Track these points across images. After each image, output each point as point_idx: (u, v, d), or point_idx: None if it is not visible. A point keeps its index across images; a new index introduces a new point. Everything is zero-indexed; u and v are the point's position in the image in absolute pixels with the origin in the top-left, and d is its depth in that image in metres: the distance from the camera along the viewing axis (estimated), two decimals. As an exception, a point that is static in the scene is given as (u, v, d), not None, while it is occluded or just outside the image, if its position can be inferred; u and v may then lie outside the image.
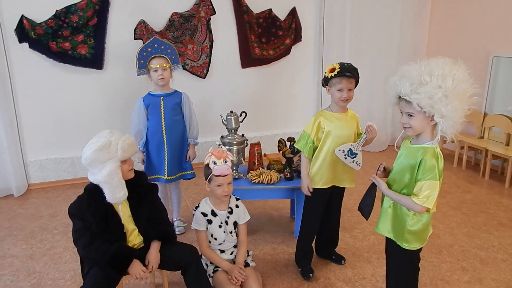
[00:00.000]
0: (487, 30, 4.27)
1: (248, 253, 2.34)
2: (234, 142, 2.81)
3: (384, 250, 1.87)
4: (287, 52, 4.60)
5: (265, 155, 3.00)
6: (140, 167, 2.70)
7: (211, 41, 4.19)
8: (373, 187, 1.79)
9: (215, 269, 2.18)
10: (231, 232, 2.21)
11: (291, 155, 2.83)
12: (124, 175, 1.89)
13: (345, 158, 2.21)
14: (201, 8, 4.03)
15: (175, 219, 3.03)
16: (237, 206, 2.26)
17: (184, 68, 4.09)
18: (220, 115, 2.90)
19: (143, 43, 2.94)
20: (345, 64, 2.17)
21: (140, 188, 2.00)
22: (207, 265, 2.22)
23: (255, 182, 2.72)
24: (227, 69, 4.37)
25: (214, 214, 2.18)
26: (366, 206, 1.82)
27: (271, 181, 2.71)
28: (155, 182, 2.31)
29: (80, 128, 3.90)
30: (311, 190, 2.29)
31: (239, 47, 4.36)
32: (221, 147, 2.18)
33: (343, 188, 2.42)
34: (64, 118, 3.87)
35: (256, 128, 4.60)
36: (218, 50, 4.26)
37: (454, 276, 2.43)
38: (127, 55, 3.73)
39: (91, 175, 1.85)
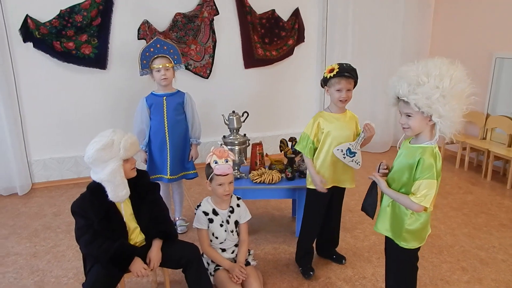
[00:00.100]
0: (490, 31, 4.27)
1: (249, 252, 2.35)
2: (236, 142, 2.83)
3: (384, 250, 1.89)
4: (290, 52, 4.61)
5: (266, 155, 3.02)
6: (143, 166, 2.72)
7: (214, 42, 4.21)
8: (374, 186, 1.81)
9: (216, 267, 2.20)
10: (232, 231, 2.22)
11: (293, 155, 2.84)
12: (126, 174, 1.91)
13: (344, 158, 2.22)
14: (204, 9, 4.06)
15: (177, 218, 3.05)
16: (238, 205, 2.27)
17: (187, 69, 4.11)
18: (222, 115, 2.92)
19: (147, 43, 2.97)
20: (344, 65, 2.18)
21: (142, 187, 2.02)
22: (208, 264, 2.24)
23: (256, 182, 2.74)
24: (230, 70, 4.39)
25: (215, 213, 2.19)
26: (369, 205, 1.83)
27: (272, 181, 2.72)
28: (157, 181, 2.33)
29: (83, 127, 3.93)
30: (324, 182, 2.27)
31: (242, 47, 4.37)
32: (222, 147, 2.20)
33: (344, 189, 2.43)
34: (67, 117, 3.90)
35: (259, 128, 4.62)
36: (221, 50, 4.28)
37: (454, 276, 2.43)
38: (130, 55, 3.76)
39: (94, 174, 1.88)
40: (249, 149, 2.93)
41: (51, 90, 3.79)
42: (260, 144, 2.95)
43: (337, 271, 2.49)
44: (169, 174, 2.82)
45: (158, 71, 2.70)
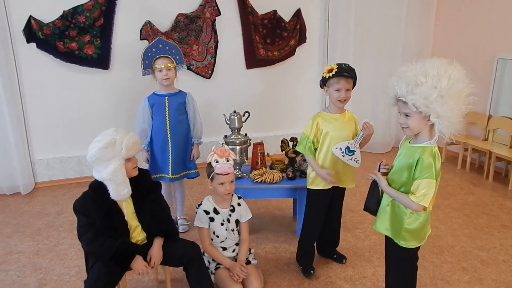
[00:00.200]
0: (492, 32, 4.27)
1: (250, 251, 2.37)
2: (237, 142, 2.85)
3: (385, 250, 1.89)
4: (291, 53, 4.62)
5: (267, 154, 3.03)
6: (145, 166, 2.74)
7: (216, 42, 4.23)
8: (375, 185, 1.82)
9: (217, 266, 2.21)
10: (233, 230, 2.24)
11: (294, 155, 2.85)
12: (128, 173, 1.93)
13: (343, 156, 2.22)
14: (206, 9, 4.08)
15: (179, 217, 3.07)
16: (239, 204, 2.29)
17: (189, 69, 4.13)
18: (224, 114, 2.93)
19: (149, 43, 2.99)
20: (343, 65, 2.19)
21: (144, 186, 2.04)
22: (209, 262, 2.25)
23: (257, 181, 2.75)
24: (231, 70, 4.41)
25: (216, 212, 2.21)
26: (373, 205, 1.84)
27: (273, 180, 2.73)
28: (158, 181, 2.35)
29: (86, 127, 3.95)
30: (331, 173, 2.25)
31: (243, 48, 4.39)
32: (224, 146, 2.21)
33: (344, 189, 2.44)
34: (70, 117, 3.93)
35: (261, 128, 4.63)
36: (223, 50, 4.30)
37: (454, 276, 2.44)
38: (133, 56, 3.78)
39: (96, 172, 1.90)
40: (250, 149, 2.95)
41: (54, 90, 3.82)
42: (261, 143, 2.96)
43: (338, 271, 2.49)
44: (170, 173, 2.84)
45: (160, 71, 2.72)
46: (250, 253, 2.36)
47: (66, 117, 3.91)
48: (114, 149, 1.88)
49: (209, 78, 4.31)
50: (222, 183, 2.12)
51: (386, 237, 1.80)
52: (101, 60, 3.85)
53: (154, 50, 2.76)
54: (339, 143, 2.22)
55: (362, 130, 2.19)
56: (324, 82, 2.24)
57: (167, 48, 2.79)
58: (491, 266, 2.54)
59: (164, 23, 3.99)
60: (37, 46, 3.63)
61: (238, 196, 2.33)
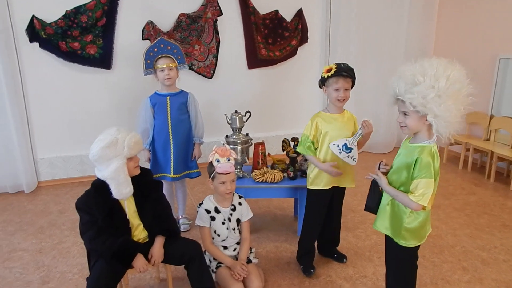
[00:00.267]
0: (494, 31, 4.26)
1: (251, 250, 2.38)
2: (239, 141, 2.86)
3: (385, 249, 1.90)
4: (293, 53, 4.63)
5: (269, 154, 3.04)
6: (146, 165, 2.76)
7: (218, 42, 4.24)
8: (375, 185, 1.82)
9: (218, 264, 2.23)
10: (234, 229, 2.25)
11: (295, 155, 2.86)
12: (130, 172, 1.95)
13: (340, 153, 2.21)
14: (208, 9, 4.09)
15: (180, 217, 3.09)
16: (240, 203, 2.30)
17: (191, 69, 4.15)
18: (225, 114, 2.95)
19: (151, 43, 3.01)
20: (342, 65, 2.20)
21: (146, 185, 2.06)
22: (210, 261, 2.27)
23: (258, 181, 2.76)
24: (233, 70, 4.42)
25: (217, 211, 2.22)
26: (374, 204, 1.84)
27: (274, 180, 2.75)
28: (160, 179, 2.37)
29: (88, 126, 3.97)
30: (335, 164, 2.24)
31: (245, 48, 4.40)
32: (225, 146, 2.22)
33: (344, 189, 2.45)
34: (73, 116, 3.95)
35: (262, 128, 4.64)
36: (225, 50, 4.31)
37: (454, 275, 2.44)
38: (135, 55, 3.79)
39: (98, 171, 1.91)
40: (251, 149, 2.96)
41: (56, 89, 3.85)
42: (262, 143, 2.97)
43: (338, 270, 2.50)
44: (172, 173, 2.86)
45: (162, 70, 2.74)
46: (251, 252, 2.37)
47: (69, 116, 3.94)
48: (116, 148, 1.89)
49: (210, 78, 4.32)
50: (223, 182, 2.13)
51: (386, 236, 1.81)
52: (103, 60, 3.87)
53: (156, 50, 2.78)
54: (336, 140, 2.22)
55: (361, 128, 2.19)
56: (323, 82, 2.25)
57: (169, 48, 2.81)
58: (492, 266, 2.54)
59: (166, 23, 4.01)
60: (40, 46, 3.66)
61: (239, 196, 2.34)
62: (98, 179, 1.92)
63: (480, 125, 4.39)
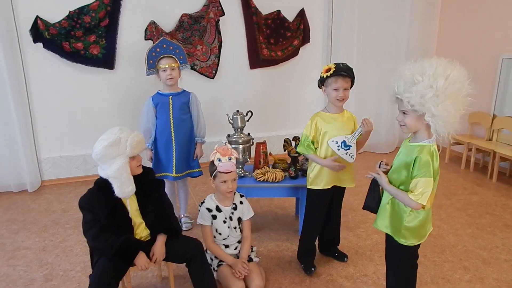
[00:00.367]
0: (496, 31, 4.26)
1: (252, 248, 2.40)
2: (240, 141, 2.87)
3: (387, 249, 1.91)
4: (295, 53, 4.64)
5: (270, 154, 3.05)
6: (149, 165, 2.78)
7: (220, 42, 4.26)
8: (375, 184, 1.83)
9: (220, 263, 2.24)
10: (235, 228, 2.27)
11: (296, 154, 2.87)
12: (132, 170, 1.97)
13: (338, 150, 2.21)
14: (210, 9, 4.11)
15: (182, 215, 3.10)
16: (241, 202, 2.32)
17: (193, 69, 4.17)
18: (227, 114, 2.96)
19: (153, 43, 3.03)
20: (341, 64, 2.21)
21: (148, 184, 2.08)
22: (211, 259, 2.28)
23: (260, 180, 2.78)
24: (235, 70, 4.44)
25: (218, 209, 2.24)
26: (373, 203, 1.86)
27: (275, 179, 2.76)
28: (162, 179, 2.38)
29: (91, 126, 4.00)
30: (336, 157, 2.24)
31: (247, 48, 4.42)
32: (226, 145, 2.24)
33: (344, 188, 2.46)
34: (76, 116, 3.98)
35: (264, 128, 4.65)
36: (227, 51, 4.33)
37: (455, 275, 2.45)
38: (137, 56, 3.81)
39: (101, 170, 1.93)
40: (253, 148, 2.97)
41: (60, 89, 3.88)
42: (264, 143, 2.99)
43: (339, 269, 2.51)
44: (174, 172, 2.88)
45: (164, 70, 2.76)
46: (252, 251, 2.39)
47: (72, 116, 3.97)
48: (119, 148, 1.91)
49: (213, 78, 4.34)
50: (225, 181, 2.15)
51: (387, 235, 1.82)
52: (106, 60, 3.89)
53: (158, 50, 2.80)
54: (335, 137, 2.22)
55: (361, 126, 2.20)
56: (322, 82, 2.26)
57: (171, 48, 2.83)
58: (493, 266, 2.54)
59: (168, 23, 4.03)
60: (44, 46, 3.69)
61: (240, 195, 2.36)
62: (101, 178, 1.94)
63: (482, 125, 4.39)
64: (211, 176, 2.20)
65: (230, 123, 2.93)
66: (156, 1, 3.96)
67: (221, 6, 4.13)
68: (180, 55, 2.85)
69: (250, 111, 2.97)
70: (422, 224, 1.72)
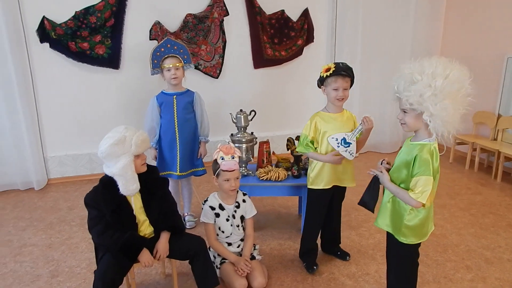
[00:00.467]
0: (501, 31, 4.24)
1: (254, 246, 2.42)
2: (243, 140, 2.90)
3: (389, 248, 1.92)
4: (299, 53, 4.65)
5: (273, 153, 3.07)
6: (153, 164, 2.80)
7: (224, 42, 4.28)
8: (375, 181, 1.85)
9: (222, 260, 2.27)
10: (238, 226, 2.29)
11: (299, 154, 2.88)
12: (137, 169, 2.00)
13: (338, 147, 2.22)
14: (215, 9, 4.14)
15: (186, 214, 3.13)
16: (244, 201, 2.34)
17: (197, 68, 4.20)
18: (230, 113, 2.98)
19: (158, 43, 3.06)
20: (340, 64, 2.21)
21: (152, 182, 2.10)
22: (214, 257, 2.31)
23: (263, 179, 2.79)
24: (239, 70, 4.46)
25: (221, 208, 2.26)
26: (369, 200, 1.87)
27: (278, 178, 2.77)
28: (166, 177, 2.41)
29: (97, 125, 4.05)
30: (335, 152, 2.24)
31: (251, 47, 4.44)
32: (229, 144, 2.26)
33: (344, 188, 2.47)
34: (82, 115, 4.03)
35: (268, 128, 4.67)
36: (231, 50, 4.35)
37: (457, 274, 2.45)
38: (142, 55, 3.85)
39: (107, 168, 1.97)
40: (256, 147, 2.99)
41: (66, 89, 3.92)
42: (267, 142, 3.00)
43: (341, 267, 2.53)
44: (178, 171, 2.90)
45: (169, 70, 2.79)
46: (254, 249, 2.41)
47: (78, 115, 4.01)
48: (124, 146, 1.94)
49: (217, 78, 4.37)
50: (228, 179, 2.17)
51: (387, 233, 1.83)
52: (112, 60, 3.94)
53: (162, 49, 2.82)
54: (336, 134, 2.23)
55: (361, 124, 2.20)
56: (321, 82, 2.26)
57: (175, 48, 2.86)
58: (496, 265, 2.54)
59: (173, 23, 4.06)
60: (50, 46, 3.74)
61: (243, 193, 2.38)
62: (106, 176, 1.97)
63: (487, 124, 4.37)
64: (214, 175, 2.23)
65: (234, 122, 2.95)
66: (161, 1, 4.00)
67: (225, 6, 4.16)
68: (184, 55, 2.88)
69: (253, 110, 2.99)
70: (423, 223, 1.73)
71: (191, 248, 2.06)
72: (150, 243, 2.02)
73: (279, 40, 4.52)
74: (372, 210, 1.89)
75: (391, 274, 1.91)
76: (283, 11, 4.44)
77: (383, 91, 4.82)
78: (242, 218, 2.33)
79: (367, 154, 4.90)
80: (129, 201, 2.01)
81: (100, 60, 3.90)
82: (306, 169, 2.88)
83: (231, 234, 2.28)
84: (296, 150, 2.46)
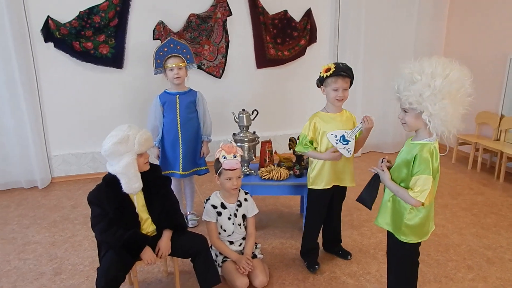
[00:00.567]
0: (505, 31, 4.23)
1: (256, 245, 2.43)
2: (246, 139, 2.91)
3: (390, 247, 1.92)
4: (302, 53, 4.66)
5: (275, 152, 3.08)
6: (156, 162, 2.82)
7: (227, 42, 4.30)
8: (376, 179, 1.86)
9: (224, 259, 2.29)
10: (239, 225, 2.31)
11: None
12: (140, 167, 2.02)
13: (336, 143, 2.22)
14: (218, 9, 4.15)
15: (188, 213, 3.15)
16: (245, 199, 2.35)
17: (200, 68, 4.22)
18: (232, 112, 3.00)
19: (161, 43, 3.08)
20: (340, 64, 2.22)
21: (155, 180, 2.12)
22: (216, 256, 2.32)
23: (265, 178, 2.80)
24: (242, 70, 4.47)
25: (223, 206, 2.28)
26: (368, 197, 1.88)
27: (280, 177, 2.79)
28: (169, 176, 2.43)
29: (101, 124, 4.07)
30: (334, 149, 2.24)
31: (254, 47, 4.45)
32: (231, 143, 2.28)
33: (345, 188, 2.47)
34: (86, 114, 4.05)
35: (270, 127, 4.68)
36: (234, 50, 4.37)
37: (459, 274, 2.45)
38: (146, 55, 3.86)
39: (110, 166, 1.99)
40: (258, 147, 3.00)
41: (70, 88, 3.95)
42: (269, 141, 3.02)
43: (342, 266, 2.54)
44: (181, 170, 2.92)
45: (172, 70, 2.80)
46: (256, 248, 2.43)
47: (82, 114, 4.04)
48: (127, 145, 1.97)
49: (220, 78, 4.38)
50: (230, 178, 2.19)
51: (388, 232, 1.84)
52: (115, 60, 3.96)
53: (165, 49, 2.85)
54: (335, 131, 2.23)
55: (361, 123, 2.21)
56: (321, 82, 2.27)
57: (178, 47, 2.87)
58: (497, 265, 2.54)
59: (176, 23, 4.08)
60: (55, 46, 3.77)
61: (245, 192, 2.39)
62: (109, 174, 1.99)
63: (490, 125, 4.36)
64: (216, 173, 2.24)
65: (236, 121, 2.96)
66: (164, 1, 4.02)
67: (228, 6, 4.17)
68: (187, 55, 2.89)
69: (255, 110, 3.00)
70: (423, 222, 1.73)
71: (193, 246, 2.08)
72: (153, 241, 2.04)
73: (282, 40, 4.53)
74: (369, 207, 1.90)
75: (391, 273, 1.91)
76: (286, 11, 4.45)
77: (385, 91, 4.81)
78: (244, 217, 2.34)
79: (369, 154, 4.90)
80: (131, 199, 2.03)
81: (104, 60, 3.93)
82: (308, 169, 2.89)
83: (233, 232, 2.30)
84: (296, 149, 2.47)
